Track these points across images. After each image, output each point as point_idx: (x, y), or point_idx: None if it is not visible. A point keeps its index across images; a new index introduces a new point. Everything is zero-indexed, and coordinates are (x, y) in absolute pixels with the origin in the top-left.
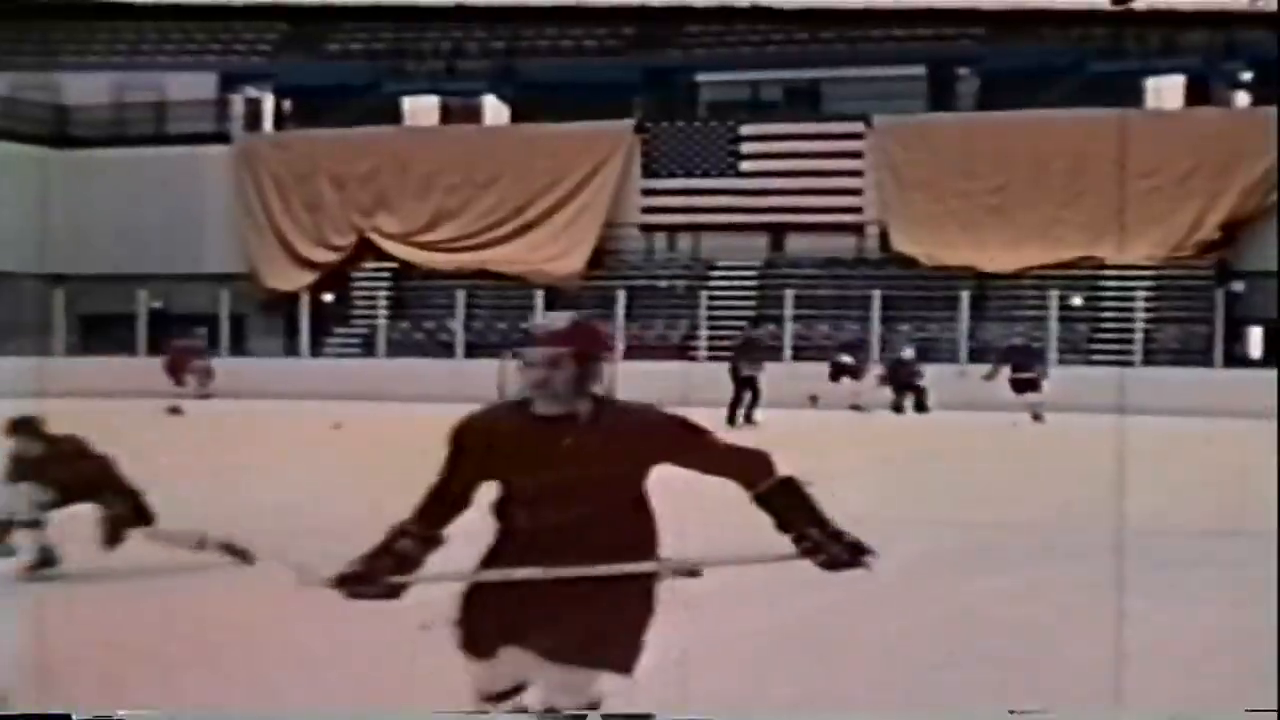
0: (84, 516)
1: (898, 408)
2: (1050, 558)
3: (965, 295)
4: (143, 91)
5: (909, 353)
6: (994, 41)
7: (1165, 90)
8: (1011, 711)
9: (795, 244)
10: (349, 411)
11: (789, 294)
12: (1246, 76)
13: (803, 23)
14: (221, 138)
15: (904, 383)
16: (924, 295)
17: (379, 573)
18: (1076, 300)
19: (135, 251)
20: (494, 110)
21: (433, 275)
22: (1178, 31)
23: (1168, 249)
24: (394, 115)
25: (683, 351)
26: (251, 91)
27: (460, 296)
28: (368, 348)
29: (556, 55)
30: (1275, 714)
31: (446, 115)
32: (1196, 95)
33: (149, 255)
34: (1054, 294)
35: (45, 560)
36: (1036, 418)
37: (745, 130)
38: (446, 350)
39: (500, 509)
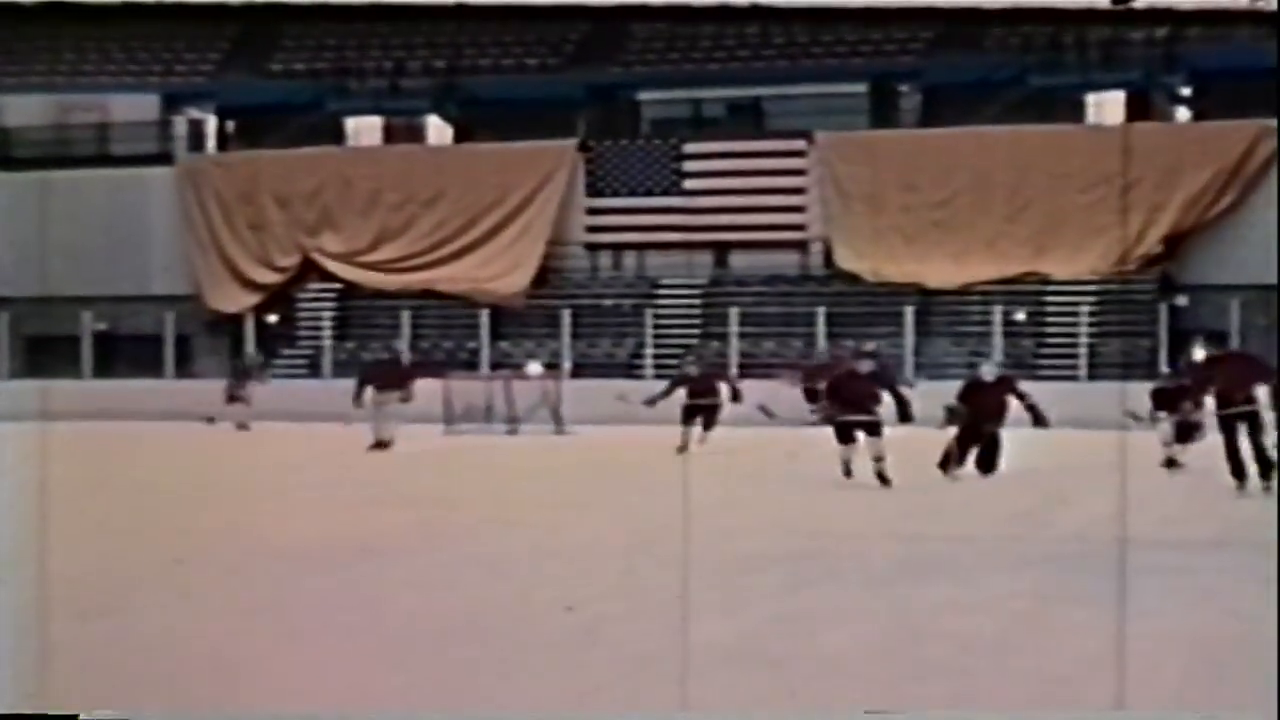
0: None
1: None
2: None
3: (910, 311)
4: (85, 113)
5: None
6: (935, 57)
7: (1106, 105)
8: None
9: (740, 261)
10: None
11: (734, 311)
12: (1186, 91)
13: (804, 20)
14: (165, 158)
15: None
16: (869, 311)
17: None
18: (1021, 315)
19: (80, 273)
20: (437, 129)
21: (378, 295)
22: (1117, 46)
23: (1110, 263)
24: (337, 135)
25: (629, 370)
26: (194, 112)
27: (405, 316)
28: (313, 369)
29: (499, 74)
30: (1276, 714)
31: (390, 134)
32: (1137, 110)
33: (94, 277)
34: (998, 309)
35: None
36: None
37: (688, 148)
38: None
39: None
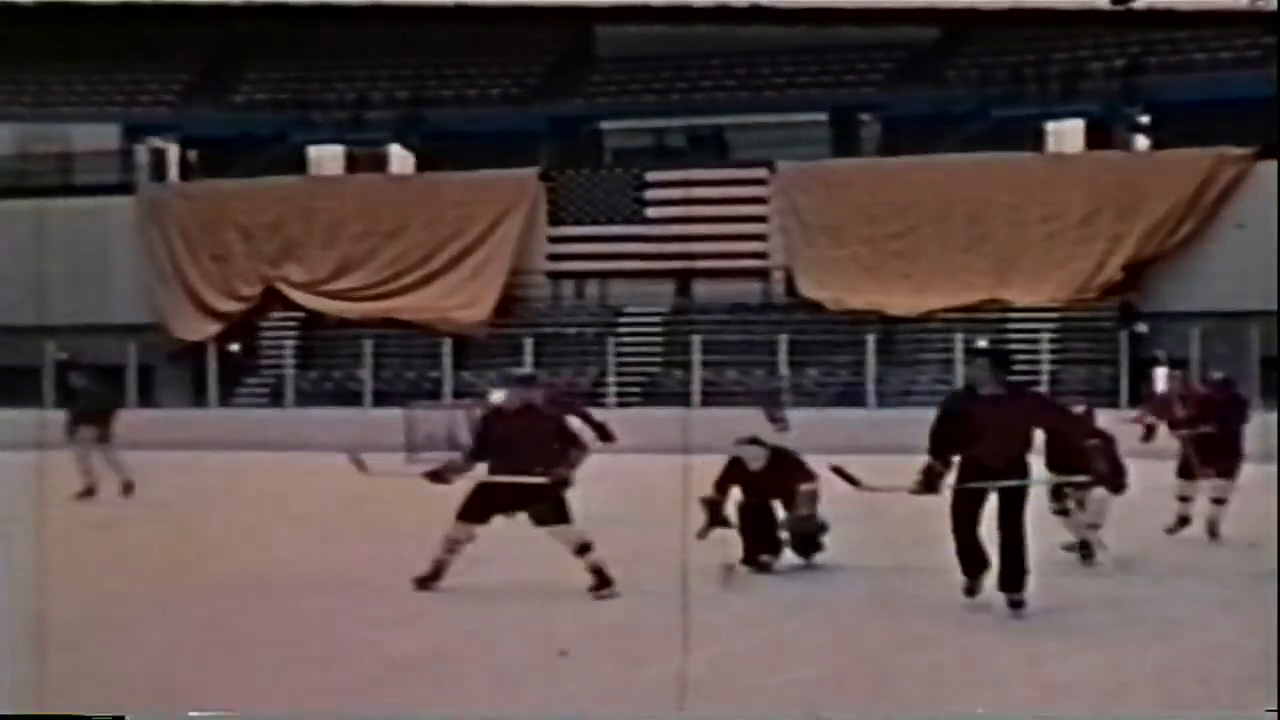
0: None
1: None
2: None
3: (871, 340)
4: (46, 143)
5: None
6: (896, 88)
7: (1066, 134)
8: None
9: (702, 290)
10: None
11: (696, 340)
12: (1146, 120)
13: (804, 21)
14: (127, 188)
15: None
16: (831, 340)
17: None
18: (983, 343)
19: (41, 303)
20: (399, 159)
21: (341, 324)
22: (1077, 76)
23: (1072, 291)
24: (300, 165)
25: (592, 398)
26: (157, 142)
27: (368, 345)
28: (276, 398)
29: (461, 104)
30: (1276, 714)
31: (352, 164)
32: (1097, 139)
33: (55, 307)
34: (960, 337)
35: None
36: None
37: (650, 177)
38: (355, 399)
39: None
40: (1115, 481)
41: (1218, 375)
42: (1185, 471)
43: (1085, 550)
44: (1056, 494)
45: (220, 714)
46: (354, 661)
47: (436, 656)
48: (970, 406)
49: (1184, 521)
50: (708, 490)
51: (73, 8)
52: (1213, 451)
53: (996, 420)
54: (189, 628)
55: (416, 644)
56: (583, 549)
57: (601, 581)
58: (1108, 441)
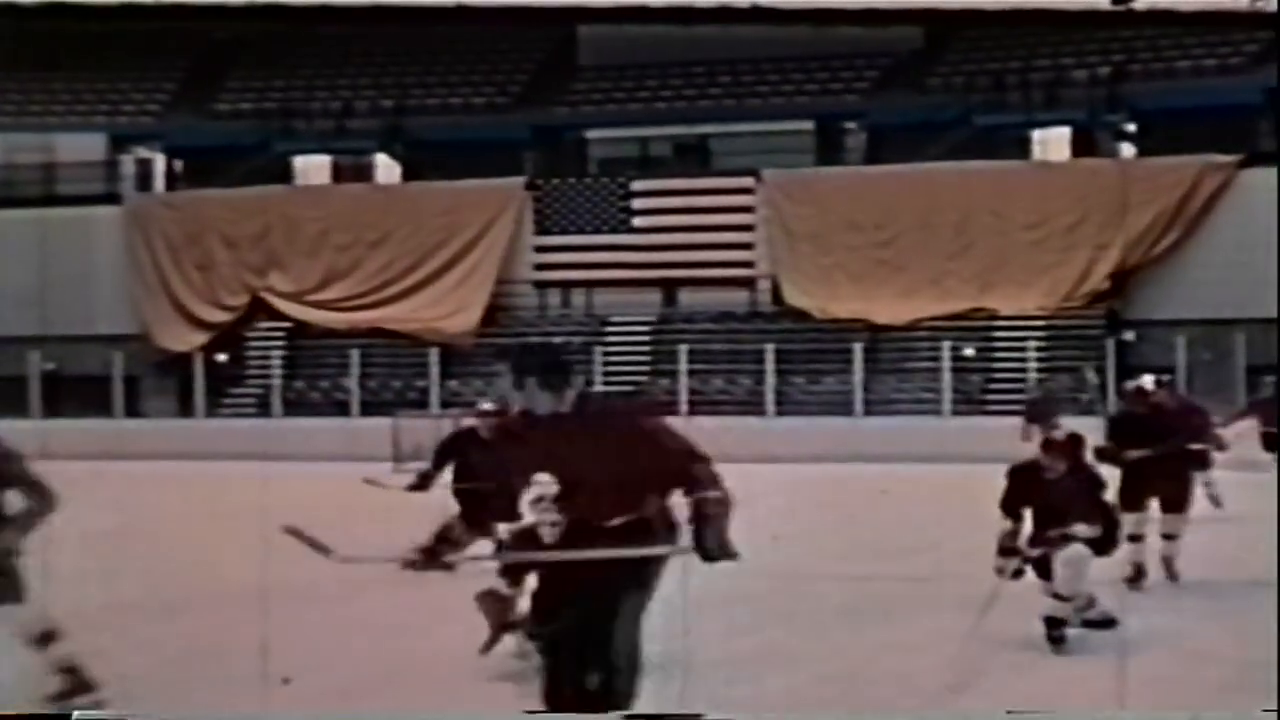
0: None
1: None
2: None
3: (859, 348)
4: (31, 153)
5: None
6: (880, 96)
7: (1051, 142)
8: (1010, 711)
9: (688, 299)
10: None
11: (683, 349)
12: (1131, 128)
13: (804, 21)
14: (112, 198)
15: None
16: (817, 348)
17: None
18: (969, 351)
19: (26, 313)
20: (385, 169)
21: (327, 334)
22: (1062, 84)
23: (1058, 299)
24: (285, 174)
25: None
26: (142, 152)
27: (355, 355)
28: (263, 408)
29: (446, 113)
30: (1276, 714)
31: (338, 174)
32: (1082, 147)
33: (40, 317)
34: (946, 345)
35: None
36: None
37: (636, 186)
38: (342, 409)
39: None
40: (1107, 540)
41: (1161, 379)
42: (1127, 502)
43: (1054, 630)
44: (1005, 552)
45: (218, 714)
46: None
47: None
48: (530, 435)
49: (1139, 570)
50: None
51: (69, 7)
52: (1151, 478)
53: (570, 454)
54: None
55: None
56: (44, 639)
57: (75, 686)
58: (1094, 484)
